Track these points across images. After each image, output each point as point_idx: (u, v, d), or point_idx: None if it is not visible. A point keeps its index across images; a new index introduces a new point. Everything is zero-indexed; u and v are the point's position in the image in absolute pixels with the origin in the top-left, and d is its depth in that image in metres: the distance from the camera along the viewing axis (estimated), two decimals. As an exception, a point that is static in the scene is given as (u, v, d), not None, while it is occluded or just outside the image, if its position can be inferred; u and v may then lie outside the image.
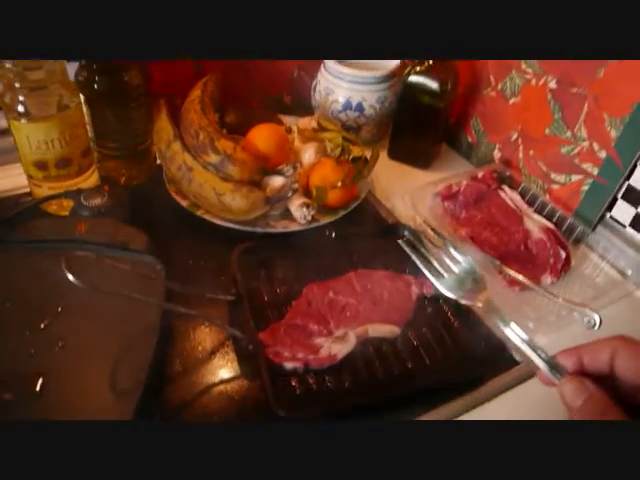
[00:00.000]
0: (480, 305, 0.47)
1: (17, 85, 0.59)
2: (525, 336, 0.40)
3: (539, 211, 0.75)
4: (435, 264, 0.50)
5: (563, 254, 0.67)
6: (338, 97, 0.86)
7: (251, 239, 0.65)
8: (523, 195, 0.77)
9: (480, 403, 0.52)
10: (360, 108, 0.85)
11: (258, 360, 0.51)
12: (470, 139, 0.91)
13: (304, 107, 0.94)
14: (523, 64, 0.78)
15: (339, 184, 0.70)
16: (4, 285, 0.56)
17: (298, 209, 0.69)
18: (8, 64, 0.58)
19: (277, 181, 0.69)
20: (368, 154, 0.77)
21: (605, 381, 0.36)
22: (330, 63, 0.85)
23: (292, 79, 0.95)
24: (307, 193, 0.72)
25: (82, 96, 0.66)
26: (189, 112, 0.72)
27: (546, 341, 0.56)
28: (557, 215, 0.73)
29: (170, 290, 0.54)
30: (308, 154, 0.75)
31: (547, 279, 0.66)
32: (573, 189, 0.75)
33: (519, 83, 0.79)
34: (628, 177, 0.68)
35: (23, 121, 0.60)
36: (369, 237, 0.70)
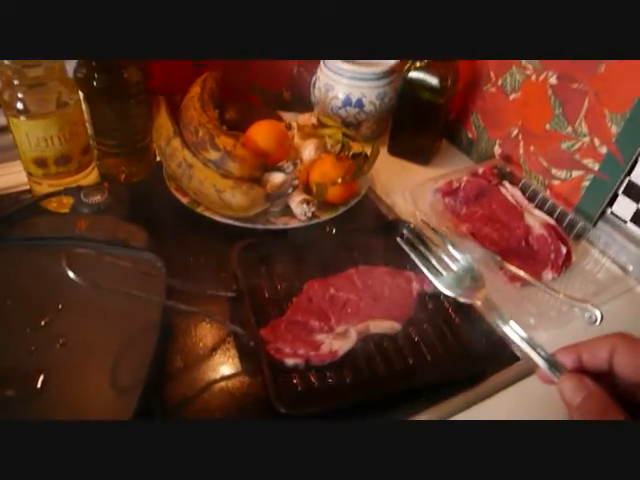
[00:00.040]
0: (479, 303, 0.47)
1: (16, 82, 0.58)
2: (524, 334, 0.40)
3: (540, 207, 0.75)
4: (434, 262, 0.50)
5: (564, 250, 0.67)
6: (338, 93, 0.85)
7: (251, 236, 0.65)
8: (524, 191, 0.77)
9: (481, 399, 0.52)
10: (360, 104, 0.85)
11: (259, 356, 0.51)
12: (470, 135, 0.91)
13: (304, 103, 0.93)
14: (523, 60, 0.78)
15: (339, 180, 0.70)
16: (4, 283, 0.56)
17: (298, 205, 0.69)
18: (7, 61, 0.57)
19: (277, 178, 0.69)
20: (368, 150, 0.77)
21: (604, 378, 0.36)
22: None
23: (291, 75, 0.95)
24: (307, 189, 0.72)
25: (81, 93, 0.66)
26: (189, 109, 0.71)
27: (547, 337, 0.56)
28: (558, 211, 0.73)
29: (171, 287, 0.54)
30: (308, 150, 0.75)
31: (548, 275, 0.66)
32: (574, 185, 0.75)
33: (519, 79, 0.79)
34: (629, 172, 0.68)
35: (22, 118, 0.60)
36: (369, 233, 0.70)
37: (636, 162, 0.67)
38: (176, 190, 0.71)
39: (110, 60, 0.65)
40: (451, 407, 0.51)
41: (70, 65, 0.65)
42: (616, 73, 0.66)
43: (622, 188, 0.69)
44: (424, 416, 0.50)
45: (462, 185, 0.76)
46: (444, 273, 0.50)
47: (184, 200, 0.70)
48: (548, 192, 0.78)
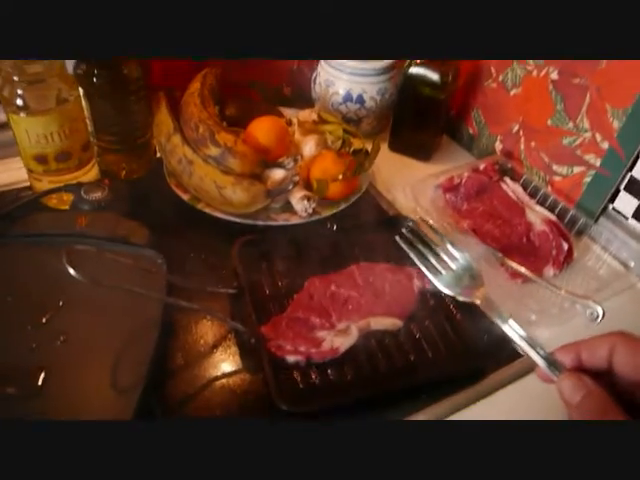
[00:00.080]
0: (478, 302, 0.47)
1: (15, 78, 0.58)
2: (523, 333, 0.40)
3: (541, 203, 0.74)
4: (432, 261, 0.50)
5: (565, 246, 0.67)
6: (338, 89, 0.85)
7: (252, 232, 0.65)
8: (525, 187, 0.77)
9: (482, 396, 0.52)
10: (361, 100, 0.85)
11: (260, 354, 0.51)
12: (471, 131, 0.91)
13: (304, 99, 0.93)
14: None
15: (340, 177, 0.70)
16: (5, 280, 0.56)
17: (299, 202, 0.69)
18: (6, 57, 0.57)
19: (278, 174, 0.69)
20: (369, 146, 0.76)
21: (603, 377, 0.35)
22: (330, 55, 0.85)
23: (292, 71, 0.94)
24: (308, 186, 0.72)
25: (81, 89, 0.65)
26: (189, 105, 0.71)
27: (548, 334, 0.56)
28: (559, 207, 0.73)
29: (171, 284, 0.54)
30: (309, 147, 0.74)
31: (549, 271, 0.66)
32: (575, 181, 0.75)
33: (520, 74, 0.79)
34: (631, 168, 0.68)
35: (22, 115, 0.60)
36: (370, 230, 0.69)
37: (638, 158, 0.66)
38: (176, 186, 0.71)
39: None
40: (452, 404, 0.51)
41: (70, 61, 0.64)
42: (618, 68, 0.66)
43: (624, 184, 0.69)
44: (425, 413, 0.50)
45: (463, 181, 0.76)
46: (443, 272, 0.50)
47: (184, 197, 0.70)
48: (549, 188, 0.78)
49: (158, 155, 0.75)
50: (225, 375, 0.52)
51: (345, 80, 0.84)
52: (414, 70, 0.79)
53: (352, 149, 0.76)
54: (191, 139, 0.69)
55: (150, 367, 0.47)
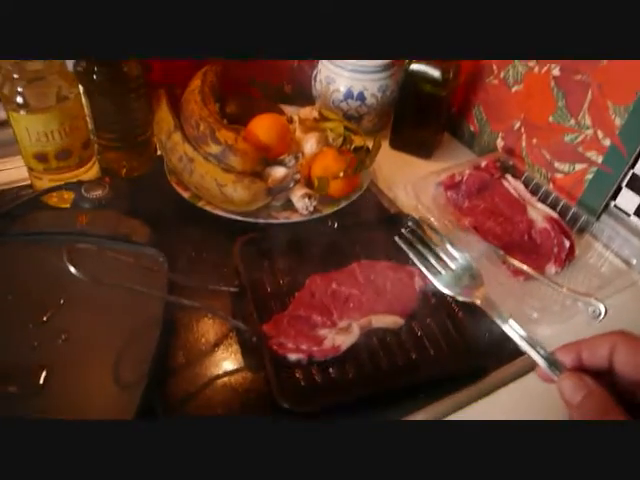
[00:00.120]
0: (478, 302, 0.47)
1: (15, 76, 0.58)
2: (523, 332, 0.40)
3: (543, 200, 0.74)
4: (432, 261, 0.50)
5: (567, 243, 0.67)
6: (339, 86, 0.85)
7: (253, 230, 0.65)
8: (526, 184, 0.77)
9: (484, 395, 0.52)
10: (361, 97, 0.85)
11: (262, 352, 0.51)
12: (472, 128, 0.91)
13: (305, 97, 0.93)
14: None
15: (341, 174, 0.69)
16: (6, 278, 0.56)
17: (300, 200, 0.68)
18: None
19: (279, 172, 0.69)
20: (370, 144, 0.76)
21: (604, 377, 0.35)
22: (331, 52, 0.84)
23: (292, 69, 0.94)
24: (309, 184, 0.72)
25: (81, 87, 0.65)
26: (189, 102, 0.71)
27: (550, 332, 0.56)
28: (561, 204, 0.73)
29: (173, 282, 0.54)
30: (310, 144, 0.74)
31: (551, 269, 0.66)
32: (577, 178, 0.74)
33: (522, 71, 0.79)
34: (633, 165, 0.67)
35: (22, 112, 0.60)
36: (372, 227, 0.69)
37: (640, 155, 0.66)
38: (177, 184, 0.71)
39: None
40: (454, 402, 0.51)
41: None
42: (619, 65, 0.66)
43: (626, 181, 0.69)
44: (427, 411, 0.50)
45: (464, 178, 0.76)
46: (443, 272, 0.50)
47: (185, 194, 0.70)
48: (551, 185, 0.78)
49: (159, 153, 0.74)
50: (227, 373, 0.52)
51: (346, 77, 0.84)
52: (415, 67, 0.79)
53: (353, 146, 0.76)
54: (192, 137, 0.69)
55: (151, 365, 0.47)
